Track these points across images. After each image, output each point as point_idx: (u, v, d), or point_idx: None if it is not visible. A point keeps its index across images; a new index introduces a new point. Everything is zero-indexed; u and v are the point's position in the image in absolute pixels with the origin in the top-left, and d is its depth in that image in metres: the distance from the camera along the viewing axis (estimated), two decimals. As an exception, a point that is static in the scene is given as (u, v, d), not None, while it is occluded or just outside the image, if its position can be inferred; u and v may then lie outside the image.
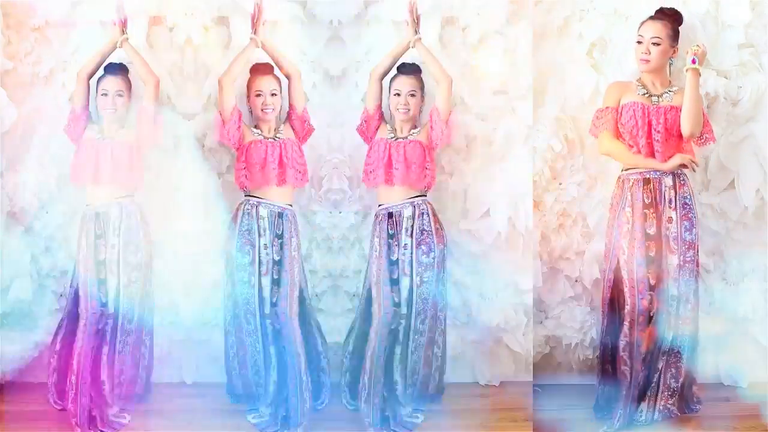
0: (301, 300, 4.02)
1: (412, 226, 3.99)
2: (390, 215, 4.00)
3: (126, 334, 3.93)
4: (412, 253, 3.97)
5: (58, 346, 4.04)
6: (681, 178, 3.87)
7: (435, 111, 4.01)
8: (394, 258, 3.96)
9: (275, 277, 3.93)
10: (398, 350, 3.93)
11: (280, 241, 3.96)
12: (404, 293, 3.93)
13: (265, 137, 4.01)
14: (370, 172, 4.03)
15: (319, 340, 4.13)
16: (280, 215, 3.98)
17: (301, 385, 3.84)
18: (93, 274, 3.89)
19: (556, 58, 4.24)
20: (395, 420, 3.91)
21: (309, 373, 3.93)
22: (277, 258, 3.94)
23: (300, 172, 4.02)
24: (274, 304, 3.90)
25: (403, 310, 3.91)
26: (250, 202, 3.98)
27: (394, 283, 3.93)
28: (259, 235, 3.95)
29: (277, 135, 4.03)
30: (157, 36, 4.20)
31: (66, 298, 4.11)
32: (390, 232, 3.99)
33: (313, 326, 4.12)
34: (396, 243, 3.97)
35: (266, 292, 3.92)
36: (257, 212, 3.97)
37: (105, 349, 3.89)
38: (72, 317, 3.97)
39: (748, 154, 4.14)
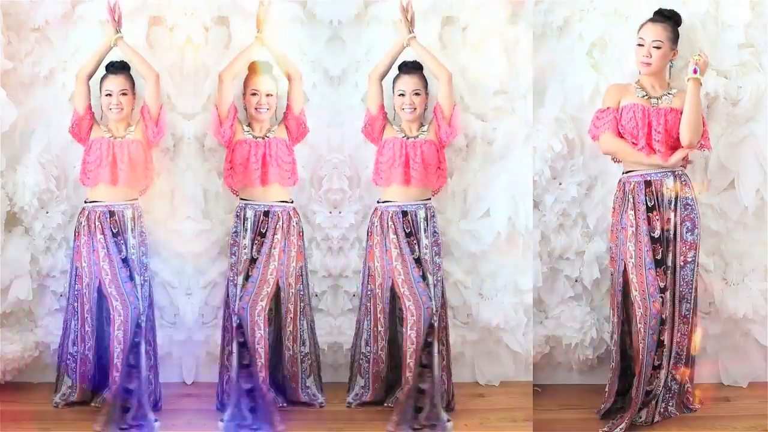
0: (279, 299, 4.01)
1: (427, 227, 4.00)
2: (404, 214, 4.00)
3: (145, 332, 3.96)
4: (429, 254, 3.99)
5: (71, 348, 4.05)
6: (682, 179, 3.86)
7: (438, 108, 4.02)
8: (416, 256, 3.97)
9: (249, 274, 3.94)
10: (437, 347, 3.90)
11: (262, 239, 3.97)
12: (431, 291, 3.95)
13: (254, 136, 4.02)
14: (383, 171, 4.03)
15: (308, 341, 4.12)
16: (266, 214, 3.99)
17: (257, 381, 3.84)
18: (124, 271, 3.91)
19: (556, 58, 4.24)
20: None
21: (279, 373, 4.03)
22: (256, 256, 3.96)
23: (287, 171, 4.02)
24: (240, 299, 3.91)
25: (433, 307, 3.91)
26: (240, 204, 4.04)
27: (424, 279, 3.94)
28: (243, 237, 3.98)
29: (268, 135, 4.03)
30: (157, 36, 4.20)
31: (66, 297, 4.11)
32: (407, 230, 3.99)
33: (305, 328, 4.11)
34: (415, 242, 3.98)
35: (239, 290, 3.94)
36: (244, 214, 4.01)
37: (144, 346, 3.89)
38: (93, 315, 3.97)
39: (748, 154, 4.14)
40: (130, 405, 3.82)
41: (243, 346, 3.88)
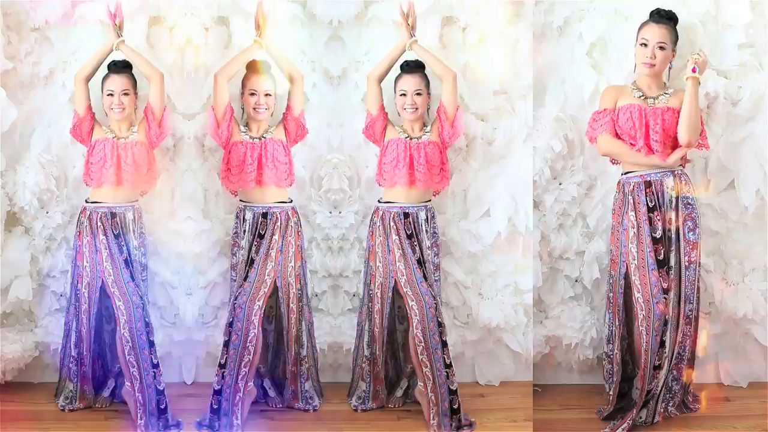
0: (279, 300, 4.02)
1: (428, 229, 4.02)
2: (406, 215, 4.00)
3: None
4: (430, 254, 4.01)
5: (74, 351, 4.04)
6: (682, 179, 3.86)
7: (442, 109, 4.02)
8: (417, 257, 3.97)
9: (247, 275, 3.95)
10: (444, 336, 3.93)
11: (260, 241, 3.98)
12: (433, 290, 3.96)
13: (251, 137, 4.02)
14: (387, 172, 4.02)
15: (306, 343, 4.12)
16: (264, 215, 4.00)
17: (236, 376, 3.86)
18: (126, 272, 3.91)
19: (556, 58, 4.24)
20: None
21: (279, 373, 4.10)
22: (254, 257, 3.97)
23: (283, 172, 4.02)
24: (235, 299, 3.92)
25: (435, 306, 3.92)
26: (240, 206, 4.05)
27: (426, 279, 3.94)
28: (242, 238, 4.01)
29: (264, 135, 4.03)
30: (157, 36, 4.20)
31: (68, 298, 4.10)
32: (408, 232, 3.99)
33: (303, 329, 4.11)
34: (416, 243, 3.99)
35: (236, 290, 3.96)
36: (244, 215, 4.02)
37: (154, 340, 3.91)
38: (91, 316, 3.97)
39: (748, 154, 4.13)
40: (164, 405, 3.87)
41: (225, 345, 3.89)
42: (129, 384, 3.88)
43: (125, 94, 3.97)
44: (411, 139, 4.03)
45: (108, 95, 3.97)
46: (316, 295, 4.37)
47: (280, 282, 3.99)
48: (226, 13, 4.20)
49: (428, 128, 4.06)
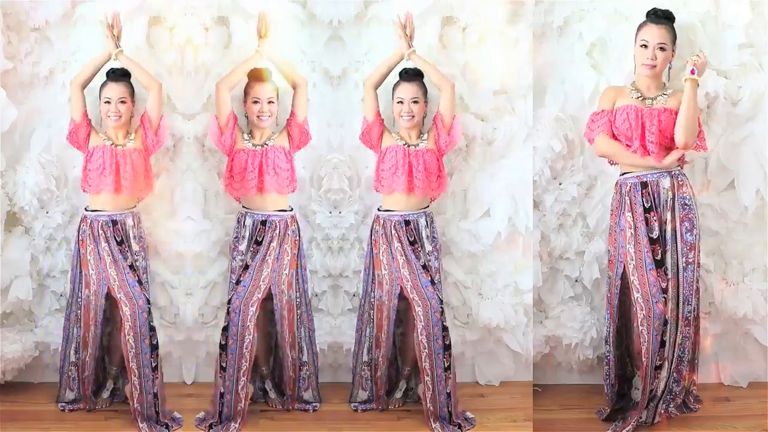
0: (274, 307, 4.02)
1: (428, 234, 4.02)
2: (407, 223, 4.00)
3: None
4: (431, 259, 4.01)
5: (73, 356, 4.05)
6: (679, 179, 3.85)
7: (439, 117, 4.02)
8: (422, 263, 3.97)
9: (241, 279, 3.96)
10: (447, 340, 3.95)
11: (258, 247, 3.98)
12: (439, 294, 3.97)
13: (253, 144, 4.02)
14: (386, 179, 4.02)
15: (306, 349, 4.12)
16: (264, 223, 4.00)
17: (237, 385, 3.89)
18: (132, 276, 3.92)
19: (556, 58, 4.23)
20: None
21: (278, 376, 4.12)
22: (250, 263, 3.98)
23: (285, 179, 4.01)
24: (229, 302, 3.93)
25: (440, 309, 3.93)
26: (241, 211, 4.05)
27: (432, 284, 3.95)
28: (241, 243, 4.02)
29: (267, 142, 4.03)
30: (157, 36, 4.19)
31: (69, 304, 4.10)
32: (410, 239, 3.99)
33: (302, 336, 4.11)
34: (420, 249, 3.99)
35: (230, 294, 3.98)
36: (244, 221, 4.03)
37: (157, 343, 3.93)
38: (97, 321, 3.98)
39: (748, 154, 4.13)
40: (158, 408, 3.91)
41: (223, 348, 3.91)
42: (127, 390, 3.92)
43: (122, 101, 3.96)
44: (409, 146, 4.03)
45: (105, 102, 3.96)
46: (316, 295, 4.37)
47: (275, 289, 3.99)
48: (226, 13, 4.20)
49: (425, 136, 4.06)
